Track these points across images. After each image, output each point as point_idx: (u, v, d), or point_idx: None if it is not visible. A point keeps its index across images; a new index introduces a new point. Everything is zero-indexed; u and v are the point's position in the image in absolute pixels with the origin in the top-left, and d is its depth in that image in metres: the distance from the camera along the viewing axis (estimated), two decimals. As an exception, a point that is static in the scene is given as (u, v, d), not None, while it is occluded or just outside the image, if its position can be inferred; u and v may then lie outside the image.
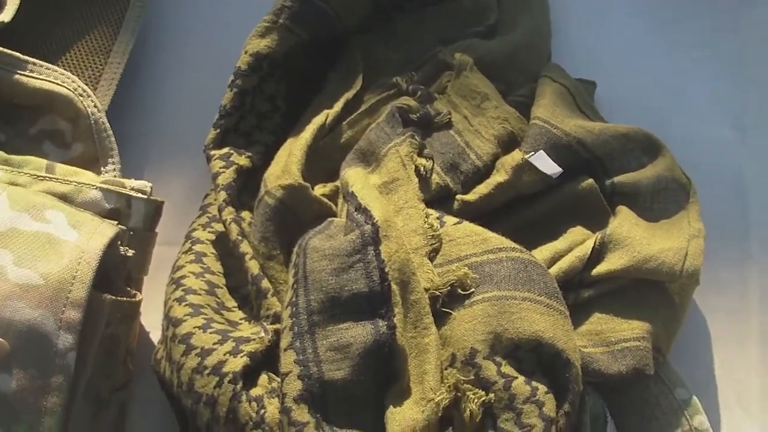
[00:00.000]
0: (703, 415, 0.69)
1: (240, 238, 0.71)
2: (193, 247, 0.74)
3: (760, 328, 0.79)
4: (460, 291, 0.64)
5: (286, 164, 0.71)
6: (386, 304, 0.61)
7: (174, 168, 0.84)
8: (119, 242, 0.67)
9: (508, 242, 0.66)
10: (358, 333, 0.60)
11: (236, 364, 0.62)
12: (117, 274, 0.68)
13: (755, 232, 0.82)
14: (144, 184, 0.72)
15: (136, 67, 0.86)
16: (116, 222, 0.68)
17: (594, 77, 0.84)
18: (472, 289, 0.63)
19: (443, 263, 0.66)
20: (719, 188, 0.83)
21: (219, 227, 0.74)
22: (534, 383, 0.60)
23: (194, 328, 0.66)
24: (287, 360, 0.61)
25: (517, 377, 0.60)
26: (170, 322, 0.68)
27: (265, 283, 0.68)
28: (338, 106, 0.76)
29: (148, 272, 0.75)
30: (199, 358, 0.64)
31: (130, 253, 0.68)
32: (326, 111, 0.76)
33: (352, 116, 0.77)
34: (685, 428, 0.68)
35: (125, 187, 0.71)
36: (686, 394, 0.69)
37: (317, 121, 0.75)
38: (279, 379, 0.61)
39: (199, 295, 0.69)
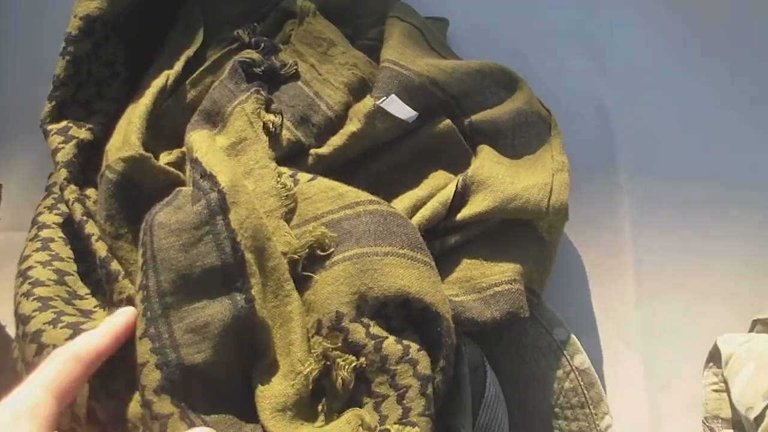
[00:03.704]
0: (584, 353, 0.68)
1: (85, 218, 0.65)
2: (40, 233, 0.68)
3: (634, 259, 0.78)
4: (319, 252, 0.60)
5: (126, 134, 0.66)
6: (242, 276, 0.57)
7: (15, 147, 0.79)
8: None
9: (365, 195, 0.62)
10: (216, 310, 0.56)
11: None
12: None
13: (623, 162, 0.80)
14: (-23, 168, 0.68)
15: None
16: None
17: (445, 14, 0.81)
18: (332, 249, 0.60)
19: (300, 223, 0.62)
20: (582, 119, 0.81)
21: (66, 208, 0.69)
22: (405, 342, 0.57)
23: (44, 324, 0.61)
24: (143, 349, 0.56)
25: (387, 337, 0.57)
26: (20, 319, 0.63)
27: (114, 266, 0.63)
28: (178, 65, 0.71)
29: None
30: None
31: (-30, 241, 0.64)
32: (166, 72, 0.71)
33: (195, 74, 0.72)
34: (566, 369, 0.67)
35: (-44, 174, 0.66)
36: (564, 333, 0.68)
37: (157, 84, 0.70)
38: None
39: (48, 286, 0.64)
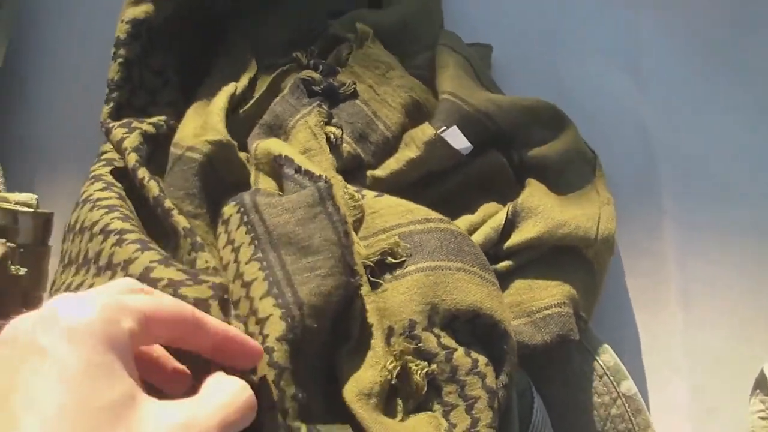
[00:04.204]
0: (630, 380, 0.68)
1: (162, 194, 0.64)
2: (103, 177, 0.67)
3: (679, 285, 0.78)
4: (390, 260, 0.61)
5: (208, 123, 0.68)
6: (352, 256, 0.58)
7: (63, 176, 0.80)
8: (8, 261, 0.63)
9: (434, 213, 0.64)
10: (334, 279, 0.57)
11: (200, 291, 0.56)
12: (10, 296, 0.63)
13: (666, 186, 0.81)
14: (29, 196, 0.68)
15: (14, 72, 0.81)
16: (3, 240, 0.64)
17: (488, 40, 0.83)
18: (404, 258, 0.61)
19: (367, 236, 0.64)
20: (623, 141, 0.82)
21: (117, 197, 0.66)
22: (474, 354, 0.59)
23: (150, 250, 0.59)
24: (266, 305, 0.55)
25: (457, 348, 0.58)
26: (111, 232, 0.60)
27: (199, 238, 0.62)
28: (243, 81, 0.74)
29: (46, 288, 0.69)
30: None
31: (22, 271, 0.64)
32: (234, 83, 0.73)
33: (252, 101, 0.74)
34: (613, 395, 0.67)
35: (9, 202, 0.66)
36: (611, 360, 0.69)
37: (227, 90, 0.72)
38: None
39: (137, 226, 0.63)
